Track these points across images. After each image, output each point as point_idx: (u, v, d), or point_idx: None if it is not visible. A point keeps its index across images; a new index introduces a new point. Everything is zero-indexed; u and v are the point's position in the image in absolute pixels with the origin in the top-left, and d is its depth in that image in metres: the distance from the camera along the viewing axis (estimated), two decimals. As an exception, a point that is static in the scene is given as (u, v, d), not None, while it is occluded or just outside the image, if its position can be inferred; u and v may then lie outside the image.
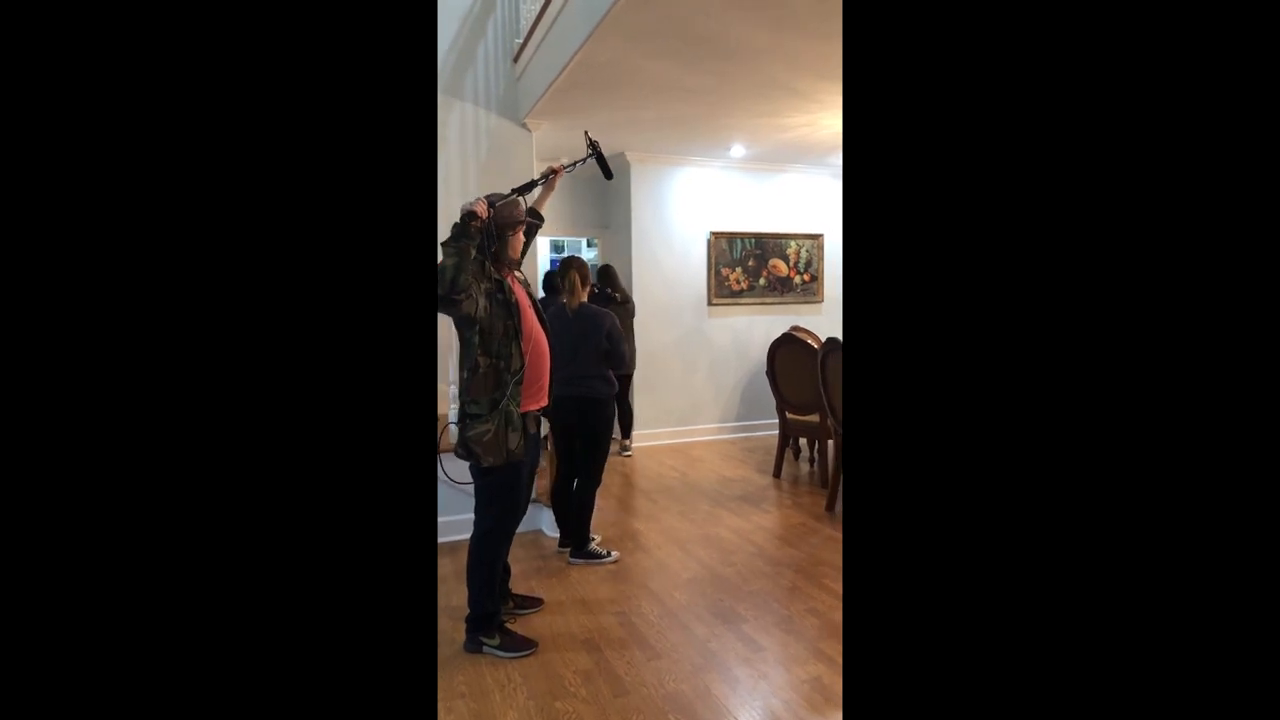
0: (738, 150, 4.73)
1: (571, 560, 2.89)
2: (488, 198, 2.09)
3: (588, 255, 7.02)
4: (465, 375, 2.06)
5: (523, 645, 2.19)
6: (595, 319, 2.82)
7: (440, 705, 1.89)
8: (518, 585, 2.68)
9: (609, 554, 2.91)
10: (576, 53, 2.81)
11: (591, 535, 2.95)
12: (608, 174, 2.53)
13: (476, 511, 2.19)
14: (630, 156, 4.72)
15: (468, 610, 2.21)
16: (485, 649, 2.17)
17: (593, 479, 2.89)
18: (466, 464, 2.15)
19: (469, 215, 2.00)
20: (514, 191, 2.18)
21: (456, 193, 3.80)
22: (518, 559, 2.95)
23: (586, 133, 2.49)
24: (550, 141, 4.24)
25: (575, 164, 2.46)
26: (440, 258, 1.92)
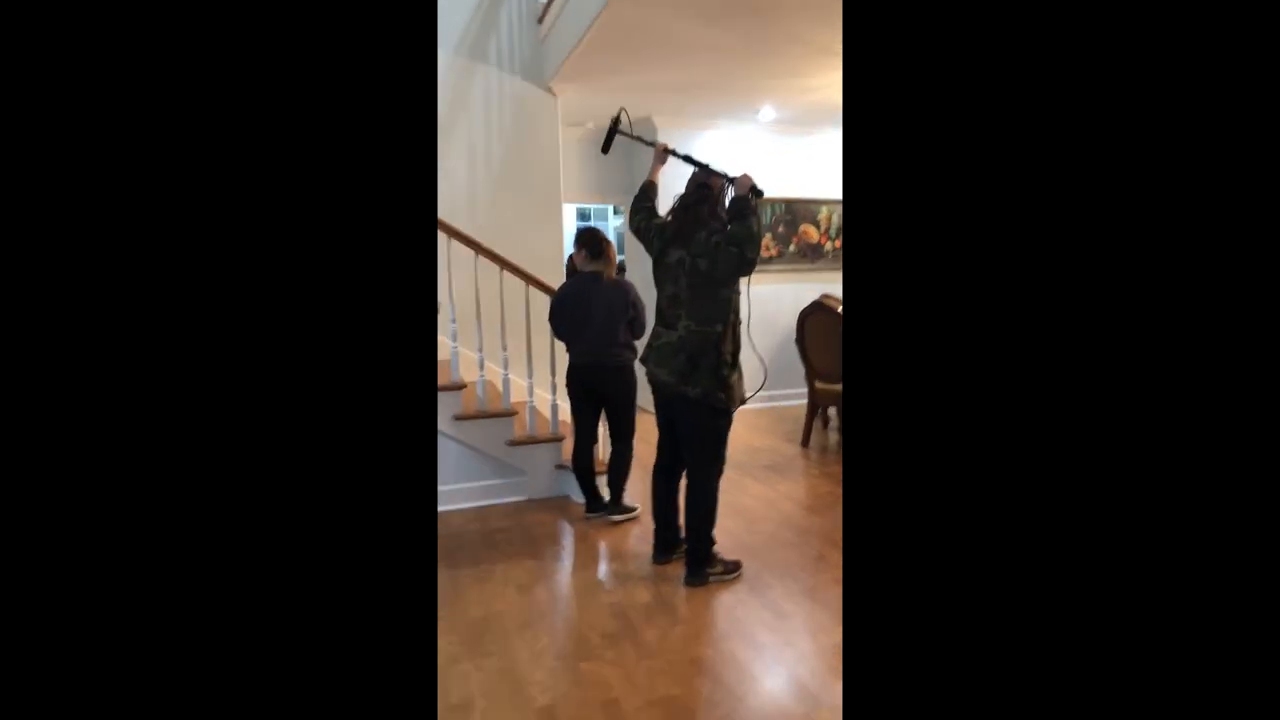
0: (767, 113, 4.61)
1: (611, 518, 2.98)
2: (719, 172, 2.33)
3: (614, 222, 6.96)
4: (719, 329, 2.25)
5: (736, 565, 2.47)
6: (623, 289, 2.86)
7: (470, 664, 1.94)
8: (543, 545, 2.72)
9: (635, 508, 3.04)
10: (601, 11, 2.74)
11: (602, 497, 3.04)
12: (604, 148, 2.57)
13: (703, 456, 2.35)
14: (657, 120, 4.63)
15: (689, 547, 2.39)
16: (712, 578, 2.40)
17: (627, 442, 2.94)
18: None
19: (758, 191, 2.24)
20: (696, 163, 2.36)
21: (481, 159, 3.78)
22: (543, 524, 2.99)
23: (623, 109, 2.50)
24: (576, 107, 4.17)
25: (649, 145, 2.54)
26: (753, 228, 2.19)
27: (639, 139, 2.55)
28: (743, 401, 2.33)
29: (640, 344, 2.74)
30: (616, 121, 2.46)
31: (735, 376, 2.29)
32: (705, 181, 2.32)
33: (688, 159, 2.37)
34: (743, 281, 2.26)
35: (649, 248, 2.44)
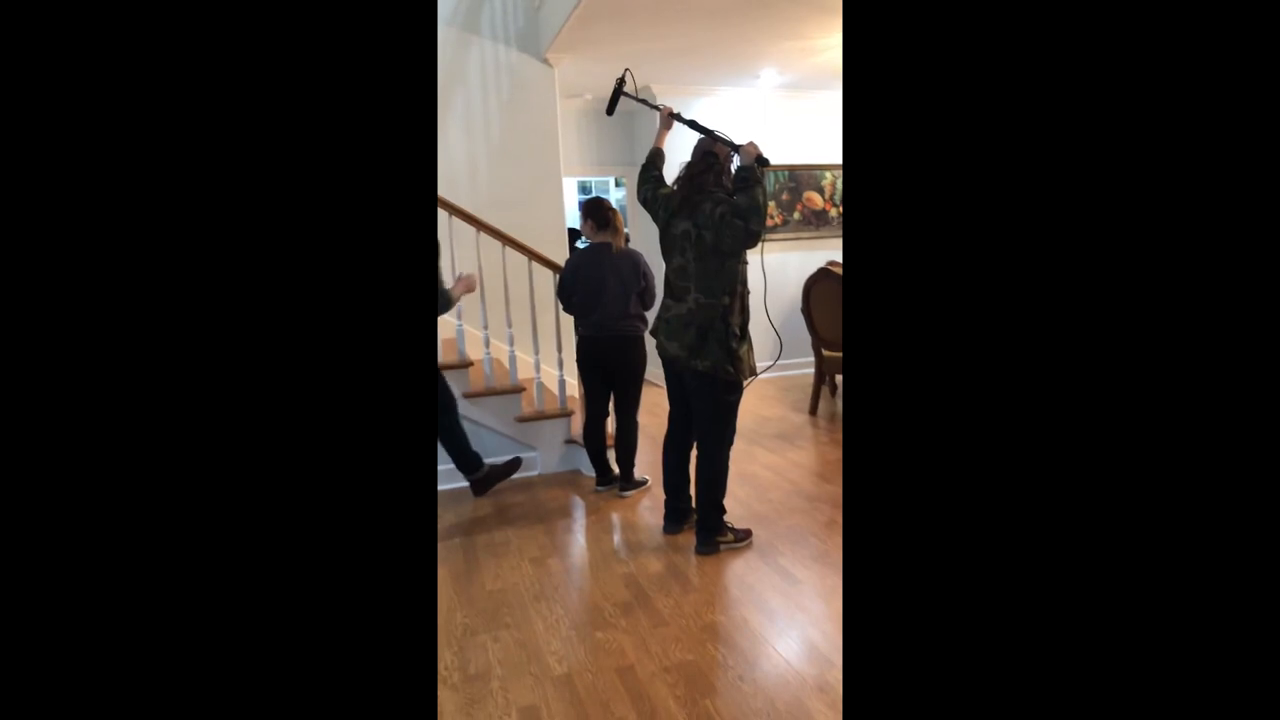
0: (769, 77, 4.52)
1: (622, 493, 2.99)
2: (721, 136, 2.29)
3: (617, 195, 6.89)
4: (726, 301, 2.23)
5: (747, 534, 2.48)
6: (631, 258, 2.84)
7: (487, 636, 1.97)
8: (555, 519, 2.75)
9: (646, 480, 3.07)
10: (595, -24, 2.68)
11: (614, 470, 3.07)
12: (609, 110, 2.54)
13: (713, 428, 2.35)
14: (656, 89, 4.55)
15: (700, 516, 2.41)
16: (723, 547, 2.42)
17: (634, 414, 2.95)
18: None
19: (764, 160, 2.18)
20: (703, 128, 2.31)
21: (479, 134, 3.73)
22: (554, 498, 3.02)
23: (627, 70, 2.47)
24: (573, 77, 4.10)
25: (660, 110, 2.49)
26: (758, 199, 2.15)
27: (644, 101, 2.51)
28: (753, 373, 2.31)
29: (651, 315, 2.73)
30: (621, 83, 2.43)
31: (745, 349, 2.28)
32: (711, 149, 2.28)
33: (693, 124, 2.33)
34: (754, 251, 2.24)
35: (656, 219, 2.42)
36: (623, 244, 2.85)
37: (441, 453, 2.94)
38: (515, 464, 3.10)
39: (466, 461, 2.94)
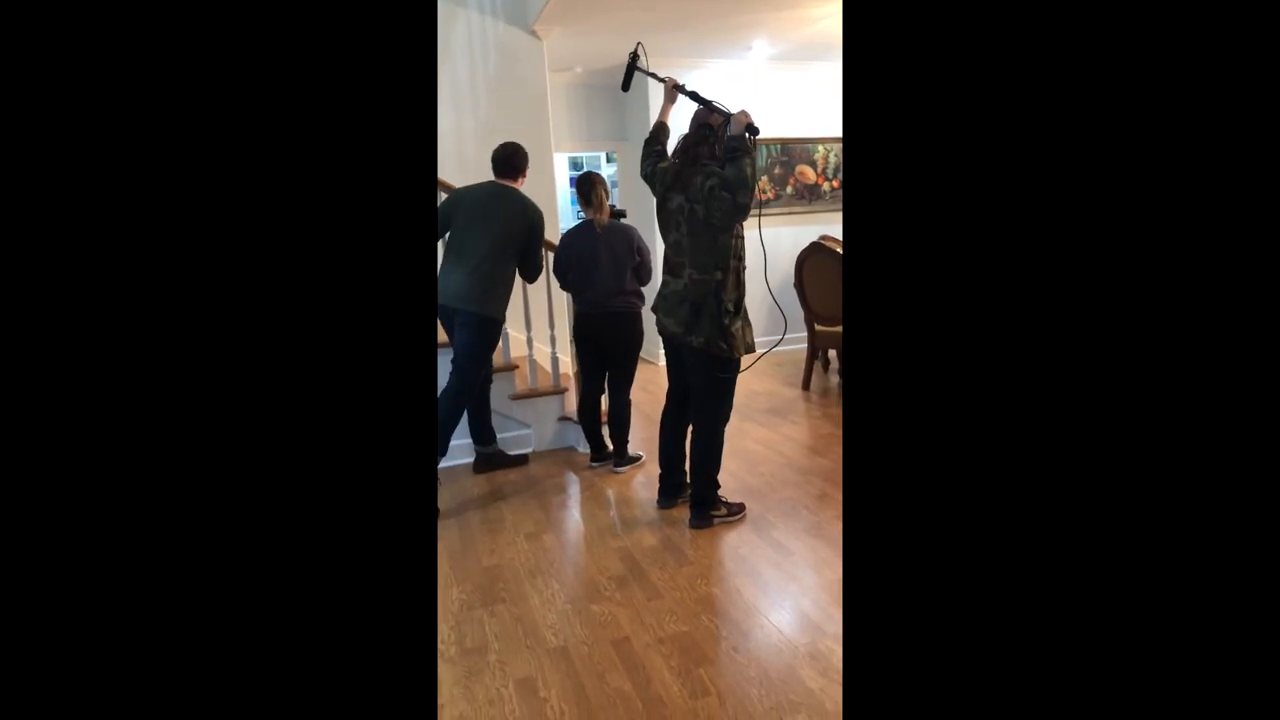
0: (760, 48, 4.45)
1: (617, 469, 3.01)
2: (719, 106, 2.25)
3: (608, 171, 6.82)
4: (719, 276, 2.23)
5: (740, 508, 2.51)
6: (625, 234, 2.82)
7: (484, 611, 2.00)
8: (550, 495, 2.77)
9: (640, 456, 3.09)
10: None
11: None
12: (625, 85, 2.50)
13: (708, 404, 2.36)
14: (647, 63, 4.48)
15: (694, 491, 2.43)
16: (716, 520, 2.45)
17: (626, 392, 2.96)
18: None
19: (754, 129, 2.14)
20: (702, 99, 2.28)
21: (467, 110, 3.67)
22: (549, 474, 3.04)
23: (640, 44, 2.44)
24: (562, 50, 4.03)
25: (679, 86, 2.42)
26: (746, 171, 2.10)
27: (652, 75, 2.48)
28: (749, 349, 2.31)
29: (650, 291, 2.72)
30: (635, 57, 2.39)
31: (739, 325, 2.27)
32: (707, 120, 2.25)
33: (694, 95, 2.30)
34: (751, 225, 2.22)
35: (654, 193, 2.40)
36: (605, 219, 2.81)
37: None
38: (522, 460, 3.17)
39: (483, 433, 3.04)
